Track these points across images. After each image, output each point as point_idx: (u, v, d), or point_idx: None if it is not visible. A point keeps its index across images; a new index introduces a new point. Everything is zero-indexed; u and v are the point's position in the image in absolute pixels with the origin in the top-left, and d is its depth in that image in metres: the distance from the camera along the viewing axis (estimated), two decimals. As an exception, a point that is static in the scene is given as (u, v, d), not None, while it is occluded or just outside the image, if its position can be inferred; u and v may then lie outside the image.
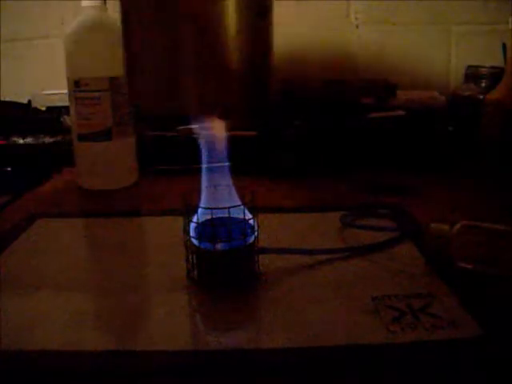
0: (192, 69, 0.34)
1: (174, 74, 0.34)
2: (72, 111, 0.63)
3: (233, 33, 0.34)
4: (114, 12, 0.83)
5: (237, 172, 0.40)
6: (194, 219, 0.39)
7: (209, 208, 0.38)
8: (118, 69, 0.61)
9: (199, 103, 0.35)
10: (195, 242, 0.39)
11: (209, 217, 0.38)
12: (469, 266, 0.40)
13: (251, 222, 0.39)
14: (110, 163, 0.64)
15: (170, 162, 0.69)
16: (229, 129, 0.37)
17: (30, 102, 0.83)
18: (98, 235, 0.52)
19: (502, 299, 0.36)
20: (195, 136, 0.38)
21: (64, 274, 0.42)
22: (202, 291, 0.39)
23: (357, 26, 0.89)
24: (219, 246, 0.38)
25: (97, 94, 0.61)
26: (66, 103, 0.65)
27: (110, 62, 0.61)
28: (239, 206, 0.38)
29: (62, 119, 0.79)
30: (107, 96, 0.61)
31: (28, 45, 0.91)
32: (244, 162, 0.49)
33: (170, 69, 0.34)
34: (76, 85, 0.61)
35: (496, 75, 0.72)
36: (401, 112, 0.71)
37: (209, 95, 0.35)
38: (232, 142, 0.40)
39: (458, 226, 0.41)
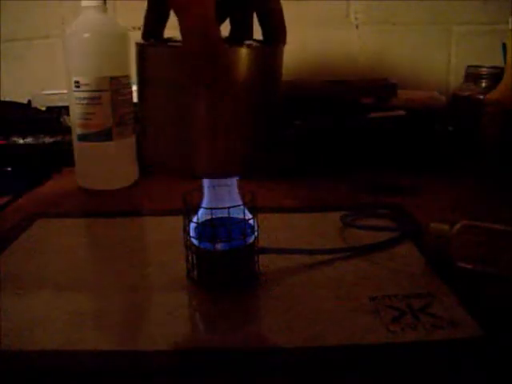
0: (204, 130, 0.34)
1: (187, 135, 0.34)
2: (72, 111, 0.63)
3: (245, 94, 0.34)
4: (113, 12, 0.84)
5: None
6: (194, 219, 0.39)
7: (209, 208, 0.38)
8: (118, 69, 0.61)
9: (212, 164, 0.35)
10: (195, 241, 0.39)
11: (209, 217, 0.38)
12: (469, 266, 0.40)
13: (251, 222, 0.39)
14: (110, 163, 0.64)
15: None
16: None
17: (29, 102, 0.83)
18: (98, 235, 0.52)
19: (502, 299, 0.37)
20: None
21: (64, 274, 0.42)
22: (201, 291, 0.39)
23: (357, 26, 0.89)
24: (219, 246, 0.38)
25: (97, 94, 0.61)
26: (66, 103, 0.65)
27: (110, 62, 0.61)
28: (239, 205, 0.38)
29: (61, 119, 0.79)
30: (107, 96, 0.61)
31: (28, 45, 0.91)
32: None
33: (182, 130, 0.34)
34: (76, 85, 0.61)
35: (496, 75, 0.72)
36: (401, 112, 0.71)
37: (222, 155, 0.35)
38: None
39: (457, 226, 0.41)
